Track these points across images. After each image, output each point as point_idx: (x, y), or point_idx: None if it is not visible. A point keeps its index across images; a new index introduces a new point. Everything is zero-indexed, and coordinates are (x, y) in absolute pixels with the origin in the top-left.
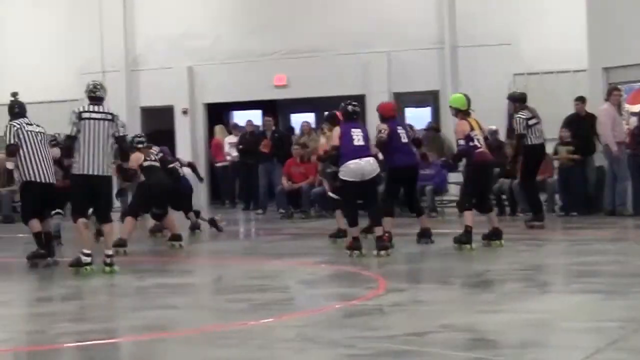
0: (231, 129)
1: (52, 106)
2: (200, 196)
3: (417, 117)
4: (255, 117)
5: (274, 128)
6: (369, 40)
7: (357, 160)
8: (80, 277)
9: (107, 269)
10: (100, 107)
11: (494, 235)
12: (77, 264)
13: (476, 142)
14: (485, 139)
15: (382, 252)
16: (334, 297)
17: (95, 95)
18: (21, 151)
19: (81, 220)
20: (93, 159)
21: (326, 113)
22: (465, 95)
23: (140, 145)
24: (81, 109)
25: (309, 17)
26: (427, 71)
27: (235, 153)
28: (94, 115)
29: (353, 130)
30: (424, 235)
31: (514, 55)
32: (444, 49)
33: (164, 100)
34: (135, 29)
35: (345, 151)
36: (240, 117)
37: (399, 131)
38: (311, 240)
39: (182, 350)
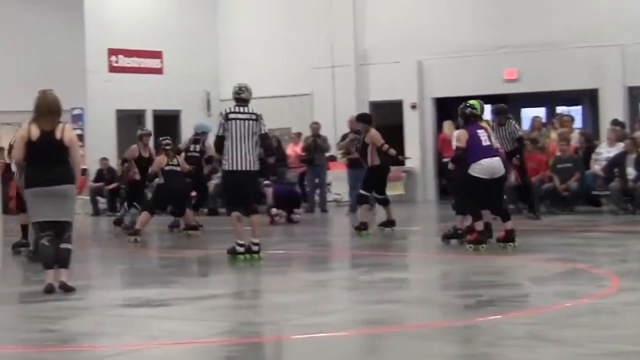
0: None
1: (283, 101)
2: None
3: None
4: (486, 111)
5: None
6: (602, 33)
7: (488, 159)
8: (235, 265)
9: (255, 256)
10: (245, 107)
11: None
12: (232, 252)
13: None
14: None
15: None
16: (565, 294)
17: (240, 97)
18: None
19: (234, 213)
20: (240, 156)
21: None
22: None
23: (167, 147)
24: (228, 110)
25: (541, 10)
26: None
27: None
28: (240, 115)
29: (478, 131)
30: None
31: None
32: None
33: (393, 94)
34: (364, 24)
35: (475, 151)
36: None
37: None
38: (541, 237)
39: (408, 345)
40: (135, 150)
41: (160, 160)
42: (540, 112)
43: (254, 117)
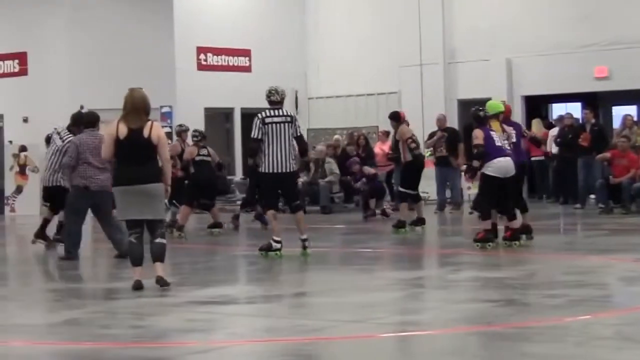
0: (553, 122)
1: (370, 99)
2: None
3: None
4: (575, 109)
5: (593, 121)
6: None
7: (501, 159)
8: (269, 260)
9: (303, 251)
10: (280, 110)
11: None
12: (267, 249)
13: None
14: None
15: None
16: None
17: (271, 100)
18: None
19: (270, 212)
20: (279, 158)
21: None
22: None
23: (195, 139)
24: (264, 115)
25: (632, 7)
26: None
27: (554, 147)
28: (275, 119)
29: (492, 132)
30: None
31: None
32: None
33: (481, 92)
34: (453, 22)
35: (490, 150)
36: (559, 110)
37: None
38: (631, 236)
39: (497, 344)
40: (177, 146)
41: (192, 150)
42: (632, 110)
43: (289, 119)
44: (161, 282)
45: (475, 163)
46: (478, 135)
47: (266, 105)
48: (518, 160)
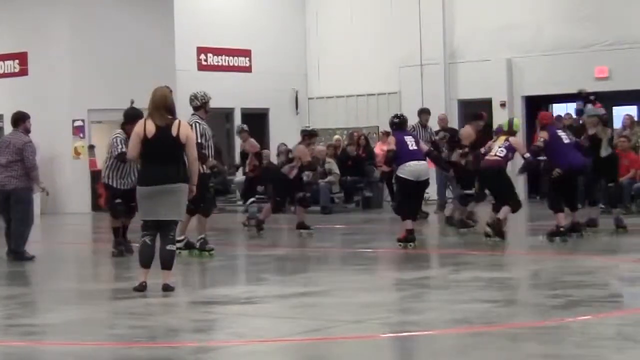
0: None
1: (371, 99)
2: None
3: None
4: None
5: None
6: None
7: (413, 162)
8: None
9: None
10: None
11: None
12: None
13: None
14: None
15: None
16: None
17: (191, 105)
18: None
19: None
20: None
21: None
22: None
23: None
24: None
25: (632, 7)
26: None
27: None
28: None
29: (406, 137)
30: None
31: None
32: None
33: (482, 92)
34: (454, 22)
35: (403, 154)
36: (559, 110)
37: (559, 134)
38: (632, 237)
39: (498, 345)
40: (254, 143)
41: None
42: (632, 110)
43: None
44: (167, 289)
45: (385, 167)
46: (390, 141)
47: (265, 105)
48: (579, 163)
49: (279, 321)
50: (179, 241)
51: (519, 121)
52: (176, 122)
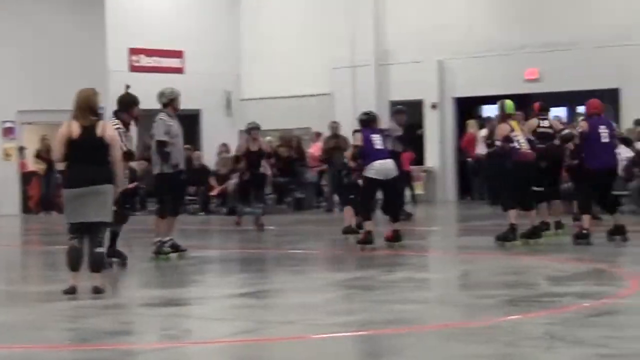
0: (484, 123)
1: (303, 100)
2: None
3: None
4: None
5: (524, 122)
6: (625, 32)
7: (381, 161)
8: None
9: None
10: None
11: (533, 234)
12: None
13: (516, 143)
14: (528, 139)
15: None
16: (584, 295)
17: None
18: None
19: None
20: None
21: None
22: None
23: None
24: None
25: (562, 9)
26: None
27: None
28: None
29: (372, 135)
30: (617, 233)
31: None
32: None
33: (413, 94)
34: (385, 23)
35: (369, 153)
36: (490, 112)
37: (600, 130)
38: (562, 236)
39: (429, 345)
40: (242, 145)
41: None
42: (561, 112)
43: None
44: (97, 291)
45: (352, 163)
46: (357, 138)
47: (197, 107)
48: (610, 164)
49: (211, 323)
50: (163, 243)
51: (511, 103)
52: (100, 123)
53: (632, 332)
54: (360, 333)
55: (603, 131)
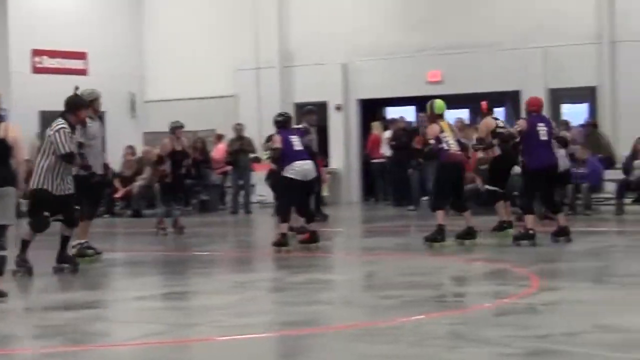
0: (388, 124)
1: (207, 102)
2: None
3: (574, 114)
4: (410, 113)
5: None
6: (526, 35)
7: (301, 162)
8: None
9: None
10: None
11: (468, 235)
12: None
13: (445, 144)
14: (458, 141)
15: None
16: (487, 294)
17: None
18: None
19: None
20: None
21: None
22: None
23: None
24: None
25: (465, 12)
26: (585, 67)
27: (388, 149)
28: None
29: (291, 136)
30: (562, 234)
31: None
32: (602, 43)
33: (317, 96)
34: (289, 26)
35: (289, 154)
36: (394, 114)
37: (538, 128)
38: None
39: (333, 346)
40: (167, 145)
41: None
42: (464, 114)
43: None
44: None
45: (272, 166)
46: (276, 140)
47: (103, 108)
48: (550, 162)
49: (115, 326)
50: (82, 245)
51: (441, 103)
52: (2, 124)
53: (534, 331)
54: (266, 335)
55: (542, 129)
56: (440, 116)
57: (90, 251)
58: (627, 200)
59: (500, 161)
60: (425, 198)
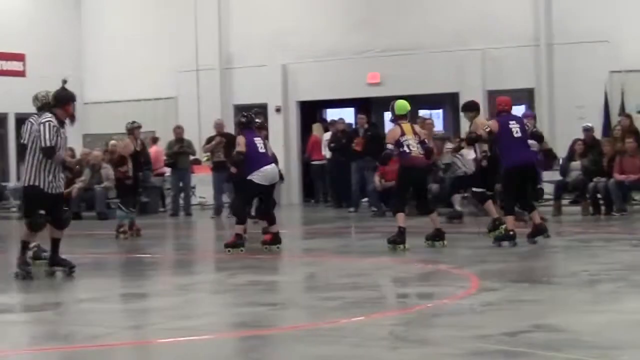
0: (328, 126)
1: (147, 104)
2: (295, 194)
3: None
4: (349, 115)
5: (366, 126)
6: (464, 37)
7: (267, 167)
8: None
9: None
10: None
11: (436, 237)
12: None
13: (405, 147)
14: (422, 142)
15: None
16: (427, 295)
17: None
18: None
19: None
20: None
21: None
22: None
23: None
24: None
25: (404, 14)
26: (522, 69)
27: (328, 151)
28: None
29: (255, 138)
30: (538, 233)
31: (611, 53)
32: (540, 46)
33: (257, 98)
34: (229, 27)
35: (253, 157)
36: (333, 115)
37: (510, 126)
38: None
39: (275, 347)
40: (129, 145)
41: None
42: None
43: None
44: None
45: (233, 169)
46: (240, 142)
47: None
48: (527, 159)
49: (56, 328)
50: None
51: (402, 104)
52: None
53: (475, 331)
54: (206, 337)
55: (514, 126)
56: (403, 117)
57: (45, 254)
58: (565, 202)
59: (488, 163)
60: (364, 200)
